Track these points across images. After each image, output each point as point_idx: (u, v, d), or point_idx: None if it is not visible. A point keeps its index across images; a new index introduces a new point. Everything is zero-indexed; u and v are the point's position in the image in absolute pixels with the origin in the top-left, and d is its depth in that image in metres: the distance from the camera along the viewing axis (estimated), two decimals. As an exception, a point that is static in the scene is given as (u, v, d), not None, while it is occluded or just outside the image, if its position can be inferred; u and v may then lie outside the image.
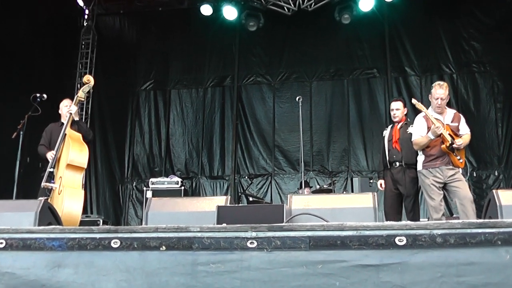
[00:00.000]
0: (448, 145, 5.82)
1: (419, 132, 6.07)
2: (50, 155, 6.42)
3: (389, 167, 6.62)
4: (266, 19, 10.78)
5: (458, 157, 5.89)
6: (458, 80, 10.22)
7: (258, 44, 11.20)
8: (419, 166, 6.10)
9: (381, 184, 6.81)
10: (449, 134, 5.87)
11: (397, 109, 6.79)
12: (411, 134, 6.28)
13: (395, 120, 6.79)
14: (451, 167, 5.87)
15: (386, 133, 6.88)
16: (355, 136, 10.38)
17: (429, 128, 5.92)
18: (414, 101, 6.26)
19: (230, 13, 10.67)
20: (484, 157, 9.78)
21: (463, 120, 6.13)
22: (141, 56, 11.60)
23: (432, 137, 5.86)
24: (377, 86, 10.55)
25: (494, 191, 4.27)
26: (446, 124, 5.96)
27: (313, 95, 10.55)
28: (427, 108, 6.07)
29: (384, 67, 10.60)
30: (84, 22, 11.77)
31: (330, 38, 10.84)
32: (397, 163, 6.51)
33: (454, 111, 6.27)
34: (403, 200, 6.46)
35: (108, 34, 11.85)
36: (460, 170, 5.94)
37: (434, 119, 5.88)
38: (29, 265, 2.99)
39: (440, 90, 5.96)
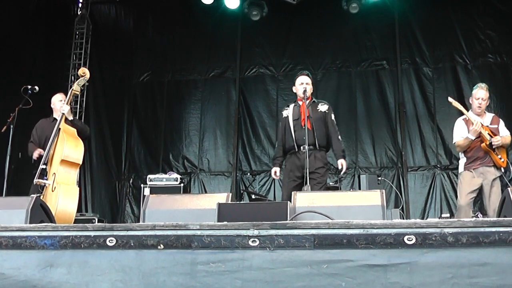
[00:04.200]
0: (488, 143, 6.19)
1: (460, 134, 6.44)
2: (36, 154, 6.44)
3: (296, 150, 6.19)
4: (270, 8, 10.73)
5: (499, 156, 6.26)
6: (473, 71, 10.17)
7: (261, 34, 11.16)
8: (461, 168, 6.47)
9: (275, 172, 6.43)
10: (488, 134, 6.24)
11: (307, 83, 6.38)
12: (321, 112, 6.36)
13: (306, 96, 6.20)
14: (492, 169, 6.22)
15: (287, 112, 6.47)
16: (363, 131, 10.34)
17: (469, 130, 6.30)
18: (450, 99, 6.64)
19: (232, 1, 10.64)
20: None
21: (502, 122, 6.53)
22: (138, 46, 11.57)
23: (472, 138, 6.23)
24: (386, 78, 10.49)
25: (509, 189, 4.24)
26: (486, 126, 6.34)
27: (318, 87, 10.52)
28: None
29: (394, 58, 10.55)
30: (78, 10, 11.74)
31: (337, 28, 10.81)
32: (307, 146, 5.96)
33: (492, 114, 6.70)
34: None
35: (104, 23, 11.81)
36: (502, 170, 6.28)
37: (473, 119, 6.27)
38: (20, 265, 3.00)
39: (481, 91, 6.43)
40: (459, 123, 6.53)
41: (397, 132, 10.19)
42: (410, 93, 10.32)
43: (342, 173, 6.37)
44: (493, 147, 6.21)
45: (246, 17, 10.84)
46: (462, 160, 6.46)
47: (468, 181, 6.25)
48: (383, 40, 10.71)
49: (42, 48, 10.55)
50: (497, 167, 6.24)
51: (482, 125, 6.29)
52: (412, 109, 10.21)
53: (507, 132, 6.44)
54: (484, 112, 6.51)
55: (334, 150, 6.34)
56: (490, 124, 6.42)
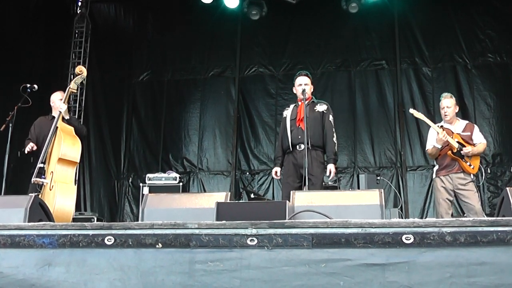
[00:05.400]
0: (455, 151, 6.31)
1: (430, 142, 6.60)
2: (28, 148, 6.44)
3: (291, 150, 6.22)
4: (270, 7, 10.73)
5: (468, 163, 6.33)
6: (472, 71, 10.17)
7: (261, 34, 11.16)
8: (434, 175, 6.64)
9: (276, 173, 6.36)
10: (458, 142, 6.35)
11: (306, 84, 6.36)
12: (319, 112, 6.37)
13: (305, 97, 6.17)
14: (462, 175, 6.33)
15: (287, 113, 6.49)
16: (362, 131, 10.34)
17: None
18: (411, 110, 6.91)
19: (231, 1, 10.63)
20: (499, 152, 9.75)
21: (476, 129, 6.61)
22: (138, 45, 11.56)
23: (438, 146, 6.38)
24: (386, 78, 10.49)
25: (507, 188, 4.23)
26: (456, 133, 6.46)
27: (317, 87, 10.46)
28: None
29: (393, 58, 10.55)
30: (78, 9, 11.73)
31: (336, 27, 10.81)
32: (302, 145, 6.02)
33: (466, 121, 6.80)
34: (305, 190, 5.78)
35: (103, 22, 11.80)
36: (472, 177, 6.35)
37: (437, 127, 6.44)
38: (18, 264, 3.00)
39: (445, 100, 6.61)
40: (431, 132, 6.65)
41: (396, 132, 10.19)
42: (410, 93, 10.32)
43: (329, 179, 6.35)
44: (463, 154, 6.30)
45: (245, 16, 10.84)
46: (435, 168, 6.62)
47: (440, 190, 6.40)
48: (382, 40, 10.72)
49: (41, 47, 10.54)
50: (467, 173, 6.33)
51: (452, 132, 6.42)
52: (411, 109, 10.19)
53: (481, 140, 6.53)
54: (457, 119, 6.68)
55: (327, 152, 6.27)
56: (462, 131, 6.51)
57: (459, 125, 6.61)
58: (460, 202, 6.47)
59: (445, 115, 6.56)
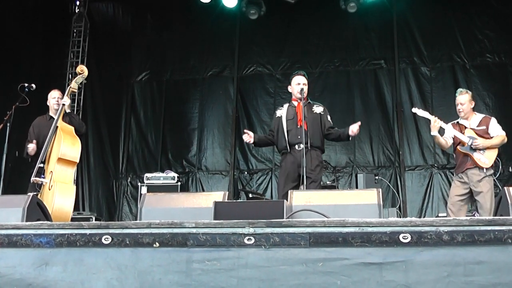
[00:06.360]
0: (465, 145, 6.32)
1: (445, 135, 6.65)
2: (30, 148, 6.43)
3: (289, 150, 6.20)
4: (268, 7, 10.71)
5: (481, 157, 6.29)
6: (471, 71, 10.18)
7: (259, 33, 11.16)
8: (454, 174, 6.74)
9: (248, 135, 6.48)
10: (469, 136, 6.34)
11: (304, 84, 6.35)
12: (317, 114, 6.39)
13: (303, 96, 6.19)
14: (476, 171, 6.29)
15: (281, 112, 6.46)
16: (361, 130, 10.06)
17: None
18: (414, 110, 7.00)
19: (230, 0, 10.63)
20: (498, 152, 9.72)
21: (493, 122, 6.52)
22: (136, 45, 11.56)
23: (433, 134, 6.48)
24: (384, 77, 10.49)
25: (505, 188, 4.25)
26: (470, 128, 6.45)
27: (316, 86, 10.48)
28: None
29: (392, 58, 10.55)
30: (76, 8, 11.72)
31: (335, 27, 10.81)
32: (301, 145, 5.99)
33: (483, 115, 6.72)
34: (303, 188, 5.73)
35: (101, 21, 11.79)
36: (486, 171, 6.28)
37: (433, 117, 6.50)
38: (15, 263, 2.99)
39: (460, 97, 6.58)
40: (447, 128, 6.63)
41: (395, 131, 10.19)
42: (408, 92, 10.32)
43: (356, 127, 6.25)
44: (474, 148, 6.28)
45: (244, 16, 10.83)
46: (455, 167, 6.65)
47: (455, 186, 6.42)
48: (381, 40, 10.72)
49: (40, 46, 10.54)
50: (481, 168, 6.27)
51: (465, 127, 6.43)
52: (409, 109, 10.16)
53: (499, 132, 6.44)
54: (474, 113, 6.60)
55: (338, 130, 6.34)
56: (477, 126, 6.46)
57: (475, 119, 6.54)
58: (474, 199, 6.40)
59: (459, 112, 6.55)
